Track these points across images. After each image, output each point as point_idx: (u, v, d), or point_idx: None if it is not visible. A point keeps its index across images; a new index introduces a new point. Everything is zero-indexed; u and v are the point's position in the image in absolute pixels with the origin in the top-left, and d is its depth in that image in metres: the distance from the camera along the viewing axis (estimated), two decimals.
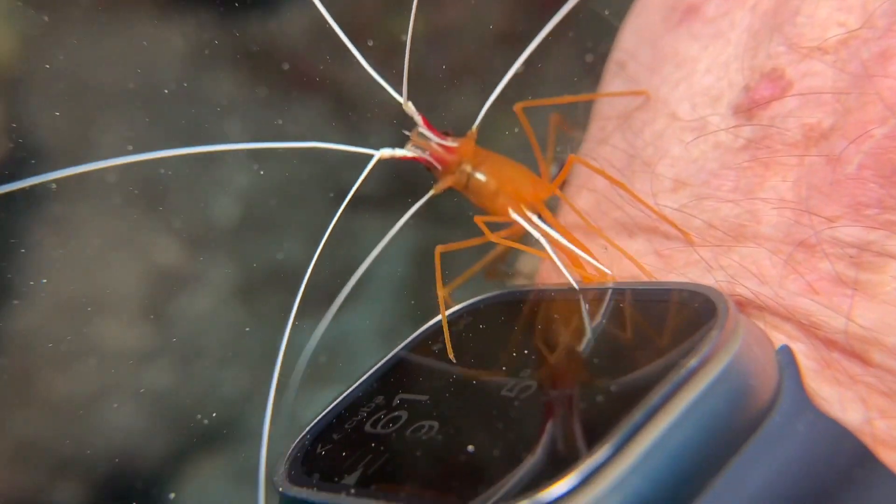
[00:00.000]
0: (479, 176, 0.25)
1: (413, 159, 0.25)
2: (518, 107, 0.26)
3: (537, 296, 0.25)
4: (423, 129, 0.25)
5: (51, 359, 0.69)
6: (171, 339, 0.74)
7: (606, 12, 0.32)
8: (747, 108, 0.23)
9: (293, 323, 0.25)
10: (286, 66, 0.69)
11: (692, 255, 0.23)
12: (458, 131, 0.27)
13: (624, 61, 0.30)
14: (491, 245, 0.28)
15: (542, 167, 0.27)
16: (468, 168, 0.25)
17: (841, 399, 0.19)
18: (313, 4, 0.71)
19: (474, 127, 0.25)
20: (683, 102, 0.25)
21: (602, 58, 0.31)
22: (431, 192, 0.27)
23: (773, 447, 0.16)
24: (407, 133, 0.26)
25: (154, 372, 0.72)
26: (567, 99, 0.30)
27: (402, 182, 0.76)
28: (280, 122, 0.69)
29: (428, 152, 0.25)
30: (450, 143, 0.25)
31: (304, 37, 0.70)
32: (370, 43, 0.67)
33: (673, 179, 0.25)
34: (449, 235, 0.29)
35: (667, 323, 0.20)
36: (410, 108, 0.24)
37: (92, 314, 0.75)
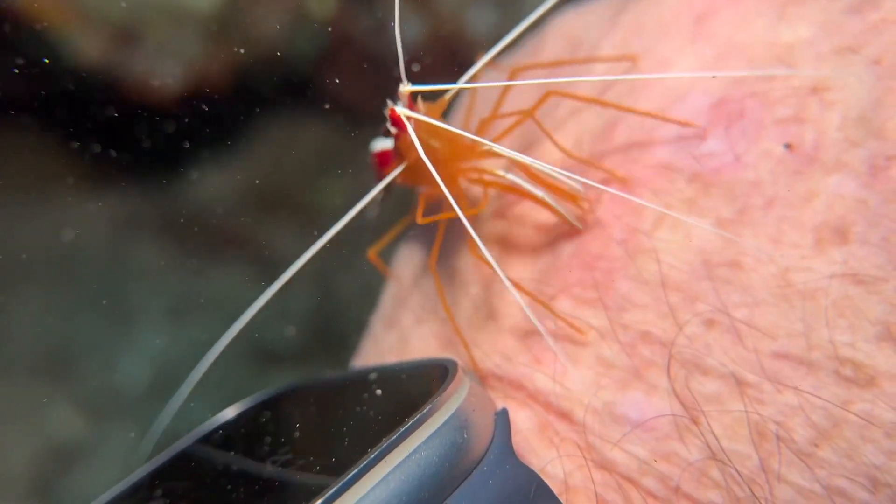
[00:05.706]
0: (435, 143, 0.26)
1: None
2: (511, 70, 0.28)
3: (320, 386, 0.29)
4: (407, 85, 0.25)
5: None
6: None
7: None
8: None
9: None
10: (207, 230, 0.72)
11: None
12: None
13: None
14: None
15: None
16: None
17: (550, 458, 0.22)
18: (236, 173, 0.75)
19: (446, 97, 0.26)
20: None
21: None
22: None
23: (478, 490, 0.20)
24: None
25: None
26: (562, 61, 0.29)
27: (321, 341, 0.77)
28: (200, 284, 0.70)
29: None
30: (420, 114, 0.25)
31: (224, 202, 0.73)
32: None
33: None
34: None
35: (414, 390, 0.23)
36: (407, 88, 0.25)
37: None
